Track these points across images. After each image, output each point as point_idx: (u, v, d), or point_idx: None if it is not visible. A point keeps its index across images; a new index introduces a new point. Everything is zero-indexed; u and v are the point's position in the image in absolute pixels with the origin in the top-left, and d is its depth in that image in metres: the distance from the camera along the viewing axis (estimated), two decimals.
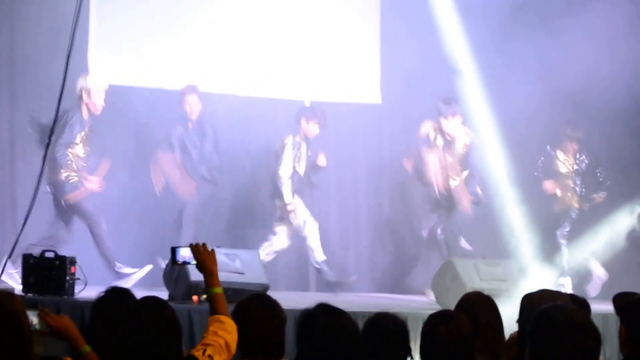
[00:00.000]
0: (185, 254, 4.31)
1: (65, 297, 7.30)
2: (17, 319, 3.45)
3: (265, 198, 10.03)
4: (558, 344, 3.27)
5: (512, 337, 4.83)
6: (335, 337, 3.93)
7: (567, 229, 10.15)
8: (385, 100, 11.11)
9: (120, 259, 8.87)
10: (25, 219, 7.46)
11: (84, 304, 6.72)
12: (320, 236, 9.81)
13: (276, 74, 10.67)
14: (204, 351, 3.90)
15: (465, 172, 9.79)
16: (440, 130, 9.72)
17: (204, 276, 4.20)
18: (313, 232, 9.73)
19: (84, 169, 8.81)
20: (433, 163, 9.69)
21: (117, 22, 9.97)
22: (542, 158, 10.27)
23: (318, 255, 9.74)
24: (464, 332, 4.01)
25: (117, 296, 4.38)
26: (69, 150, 8.72)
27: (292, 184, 9.67)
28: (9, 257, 7.84)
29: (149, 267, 8.87)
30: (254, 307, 4.09)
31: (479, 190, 9.78)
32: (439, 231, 9.79)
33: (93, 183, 8.79)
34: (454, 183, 9.73)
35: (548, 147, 10.28)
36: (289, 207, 9.63)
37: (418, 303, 9.16)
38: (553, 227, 10.16)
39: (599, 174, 10.23)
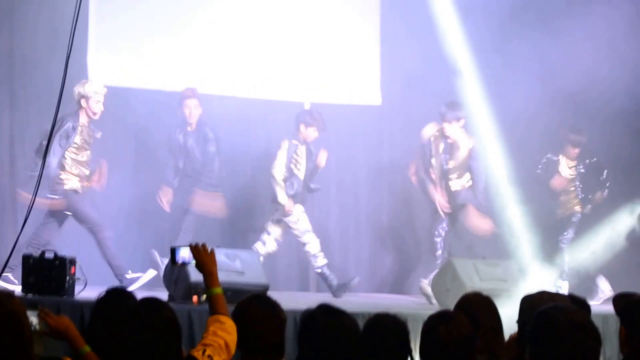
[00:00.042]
0: (184, 254, 4.31)
1: (65, 297, 7.30)
2: (17, 319, 3.45)
3: (265, 200, 10.01)
4: (558, 344, 3.27)
5: (512, 337, 4.83)
6: (337, 337, 3.93)
7: (570, 235, 10.15)
8: (385, 101, 11.11)
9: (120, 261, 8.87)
10: (24, 222, 7.47)
11: (83, 304, 6.73)
12: (320, 239, 9.79)
13: (276, 75, 10.66)
14: (204, 351, 3.90)
15: (468, 179, 9.75)
16: (443, 136, 9.70)
17: (204, 276, 4.20)
18: (313, 242, 9.71)
19: (83, 174, 8.81)
20: (436, 193, 9.69)
21: (116, 23, 9.95)
22: (544, 161, 10.28)
23: (320, 261, 9.71)
24: (463, 332, 4.01)
25: (117, 297, 4.38)
26: (68, 154, 8.73)
27: (288, 186, 9.65)
28: (9, 258, 7.83)
29: (153, 273, 8.87)
30: (254, 308, 4.09)
31: (480, 198, 9.77)
32: (437, 233, 9.76)
33: (95, 182, 8.81)
34: (456, 185, 9.70)
35: (549, 154, 10.27)
36: (286, 208, 9.62)
37: (418, 304, 9.16)
38: (554, 229, 10.15)
39: (601, 178, 10.23)
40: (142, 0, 10.11)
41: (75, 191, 8.74)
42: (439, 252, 9.68)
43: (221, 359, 3.93)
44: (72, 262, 7.46)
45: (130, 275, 8.66)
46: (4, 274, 8.09)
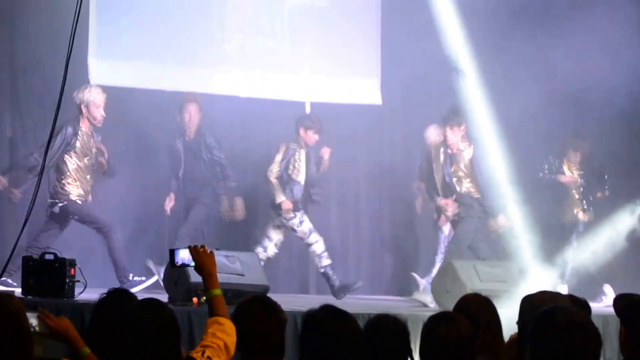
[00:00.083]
0: (184, 255, 4.31)
1: (65, 299, 7.29)
2: (17, 319, 3.45)
3: (265, 202, 10.00)
4: (559, 345, 3.26)
5: (512, 338, 4.82)
6: (339, 338, 3.93)
7: (575, 242, 10.15)
8: (385, 101, 11.10)
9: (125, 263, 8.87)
10: (23, 225, 7.47)
11: (83, 306, 6.72)
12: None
13: (277, 75, 10.66)
14: (203, 352, 3.90)
15: (472, 184, 9.74)
16: (444, 145, 9.67)
17: (203, 278, 4.20)
18: (319, 242, 9.71)
19: (85, 180, 8.82)
20: (441, 201, 9.69)
21: (117, 25, 9.95)
22: (546, 166, 10.29)
23: (324, 261, 9.71)
24: (464, 333, 4.01)
25: (119, 297, 4.38)
26: (69, 162, 8.74)
27: (287, 193, 9.65)
28: (8, 261, 7.83)
29: (155, 278, 8.88)
30: (254, 309, 4.09)
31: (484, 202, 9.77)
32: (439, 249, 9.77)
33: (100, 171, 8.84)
34: (461, 188, 9.69)
35: (551, 157, 10.27)
36: (284, 207, 9.62)
37: (418, 305, 9.16)
38: (556, 231, 10.15)
39: (602, 183, 10.23)
40: (142, 2, 10.11)
41: (80, 198, 8.76)
42: (438, 258, 9.70)
43: None
44: (72, 263, 7.45)
45: (133, 278, 8.66)
46: (2, 279, 8.09)
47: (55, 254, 7.52)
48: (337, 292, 9.61)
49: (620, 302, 4.65)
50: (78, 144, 8.77)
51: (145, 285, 8.67)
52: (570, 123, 10.51)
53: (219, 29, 10.40)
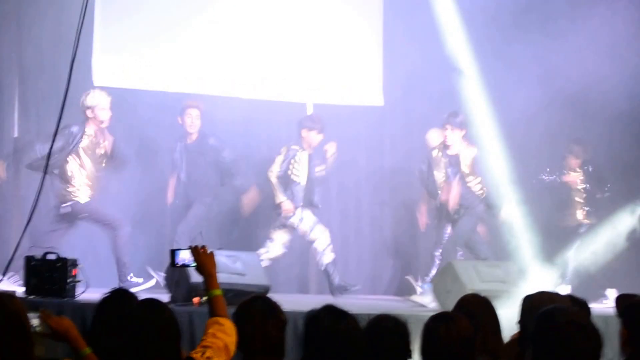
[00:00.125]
0: (184, 256, 4.32)
1: (67, 299, 7.30)
2: (18, 319, 3.45)
3: (267, 202, 10.01)
4: (559, 345, 3.27)
5: (513, 338, 4.83)
6: (341, 338, 3.94)
7: (576, 243, 10.16)
8: (387, 102, 11.10)
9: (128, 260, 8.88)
10: (25, 226, 7.48)
11: (85, 306, 6.72)
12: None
13: (278, 76, 10.66)
14: (203, 353, 3.90)
15: (476, 182, 9.74)
16: (445, 147, 9.68)
17: (204, 278, 4.21)
18: (322, 236, 9.73)
19: (92, 179, 8.84)
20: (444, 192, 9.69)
21: (121, 26, 9.98)
22: (548, 169, 10.31)
23: (326, 257, 9.73)
24: (464, 333, 4.02)
25: (120, 297, 4.39)
26: (75, 163, 8.76)
27: (288, 196, 9.67)
28: (9, 262, 7.84)
29: (154, 281, 8.89)
30: (255, 309, 4.10)
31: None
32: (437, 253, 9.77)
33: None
34: (467, 185, 9.69)
35: (552, 158, 10.29)
36: (284, 207, 9.64)
37: (419, 306, 9.16)
38: (557, 233, 10.15)
39: (603, 183, 10.24)
40: (146, 3, 10.13)
41: (87, 197, 8.79)
42: (437, 257, 9.69)
43: None
44: (74, 263, 7.46)
45: (132, 278, 8.67)
46: (11, 277, 8.12)
47: (57, 254, 7.53)
48: (334, 289, 9.65)
49: (622, 302, 4.66)
50: (84, 144, 8.79)
51: (142, 287, 8.67)
52: (570, 124, 10.51)
53: (222, 30, 10.40)
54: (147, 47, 10.12)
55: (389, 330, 4.23)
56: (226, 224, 10.22)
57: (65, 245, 8.62)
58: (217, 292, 4.14)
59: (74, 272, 7.42)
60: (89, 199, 8.82)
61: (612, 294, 9.80)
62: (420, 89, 10.61)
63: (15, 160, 9.16)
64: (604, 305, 9.59)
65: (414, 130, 10.56)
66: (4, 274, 7.90)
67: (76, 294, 7.42)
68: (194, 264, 4.24)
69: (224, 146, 9.70)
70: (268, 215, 9.97)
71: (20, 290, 7.57)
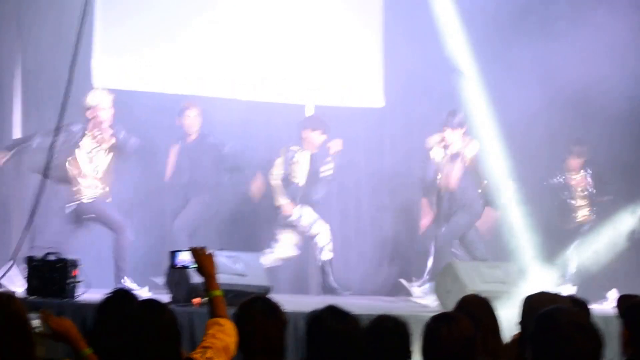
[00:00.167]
0: (184, 257, 4.32)
1: (67, 299, 7.30)
2: (18, 319, 3.45)
3: (267, 202, 10.01)
4: (559, 346, 3.27)
5: (513, 338, 4.83)
6: (342, 338, 3.94)
7: (579, 244, 10.17)
8: (387, 104, 11.09)
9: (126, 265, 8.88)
10: (27, 227, 7.47)
11: (85, 306, 6.72)
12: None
13: (278, 77, 10.66)
14: (203, 354, 3.90)
15: (472, 178, 9.74)
16: (445, 147, 9.67)
17: (204, 279, 4.21)
18: (323, 232, 9.74)
19: (96, 178, 8.85)
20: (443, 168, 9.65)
21: (121, 27, 9.98)
22: (556, 174, 10.33)
23: (324, 254, 9.75)
24: (465, 333, 4.02)
25: (121, 297, 4.39)
26: (82, 161, 8.77)
27: (288, 197, 9.68)
28: (12, 261, 7.83)
29: (145, 290, 8.90)
30: (255, 309, 4.10)
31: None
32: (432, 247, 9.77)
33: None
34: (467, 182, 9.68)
35: (554, 160, 10.31)
36: (284, 208, 9.64)
37: (419, 306, 9.15)
38: (557, 233, 10.16)
39: (604, 184, 10.26)
40: (146, 4, 10.14)
41: (92, 197, 8.80)
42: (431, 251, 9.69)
43: None
44: (74, 264, 7.46)
45: (126, 282, 8.65)
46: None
47: (58, 254, 7.53)
48: (326, 289, 9.68)
49: (623, 303, 4.65)
50: (85, 143, 8.79)
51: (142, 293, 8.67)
52: (570, 125, 10.51)
53: (223, 32, 10.40)
54: (147, 48, 10.13)
55: (389, 330, 4.23)
56: (226, 224, 10.21)
57: (71, 246, 8.62)
58: (218, 292, 4.15)
59: (74, 272, 7.42)
60: (93, 200, 8.81)
61: (612, 294, 9.81)
62: (421, 90, 10.61)
63: (15, 160, 9.16)
64: (604, 306, 9.59)
65: (414, 131, 10.55)
66: (5, 274, 7.90)
67: (76, 294, 7.42)
68: (194, 265, 4.24)
69: (224, 142, 9.70)
70: (268, 215, 9.98)
71: (20, 290, 7.58)
